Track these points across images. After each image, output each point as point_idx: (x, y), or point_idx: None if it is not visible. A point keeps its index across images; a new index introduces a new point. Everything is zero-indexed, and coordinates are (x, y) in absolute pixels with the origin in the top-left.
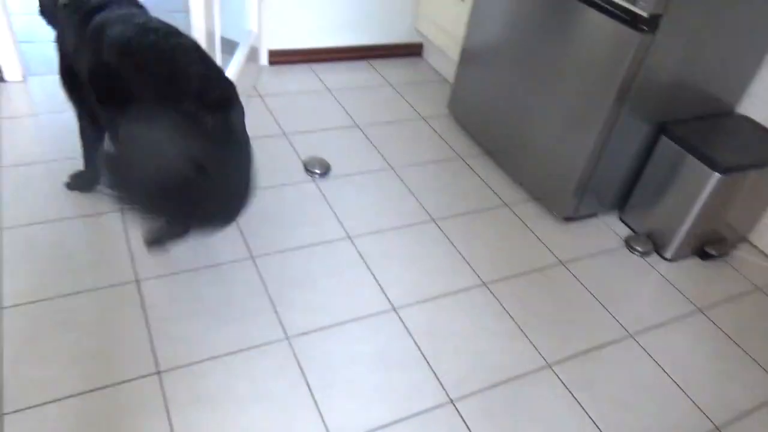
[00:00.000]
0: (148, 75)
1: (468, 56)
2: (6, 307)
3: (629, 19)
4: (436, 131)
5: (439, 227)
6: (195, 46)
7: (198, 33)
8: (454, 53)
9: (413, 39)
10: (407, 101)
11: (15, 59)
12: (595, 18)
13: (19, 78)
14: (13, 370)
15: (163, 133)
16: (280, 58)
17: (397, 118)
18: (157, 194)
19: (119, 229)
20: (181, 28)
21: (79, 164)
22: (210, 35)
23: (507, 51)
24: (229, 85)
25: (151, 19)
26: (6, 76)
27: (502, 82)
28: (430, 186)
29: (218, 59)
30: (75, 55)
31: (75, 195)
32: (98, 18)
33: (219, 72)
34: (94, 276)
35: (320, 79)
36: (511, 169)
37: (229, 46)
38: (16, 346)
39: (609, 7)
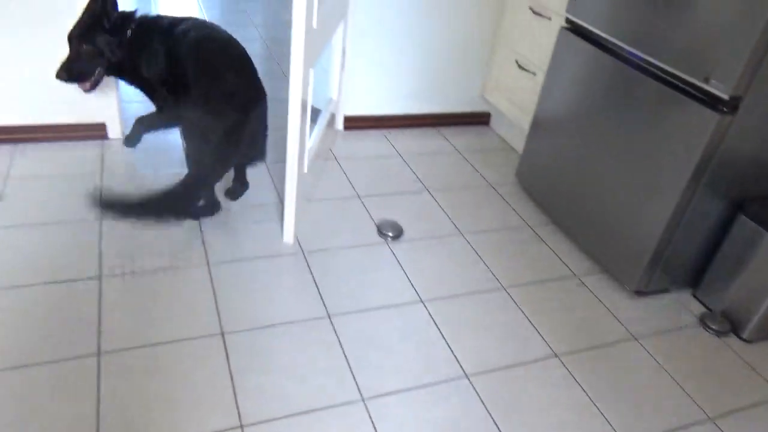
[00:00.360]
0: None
1: (538, 126)
2: (107, 352)
3: (706, 99)
4: (504, 198)
5: (509, 295)
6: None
7: (294, 103)
8: (521, 122)
9: (481, 108)
10: (475, 168)
11: (117, 119)
12: (669, 95)
13: (120, 136)
14: (109, 409)
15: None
16: (354, 123)
17: (465, 185)
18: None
19: (207, 283)
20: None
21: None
22: (304, 105)
23: (578, 122)
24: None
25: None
26: (110, 134)
27: (572, 152)
28: (499, 253)
29: (307, 126)
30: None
31: (170, 251)
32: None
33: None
34: (181, 326)
35: (392, 145)
36: (581, 240)
37: (312, 113)
38: (111, 387)
39: (685, 87)
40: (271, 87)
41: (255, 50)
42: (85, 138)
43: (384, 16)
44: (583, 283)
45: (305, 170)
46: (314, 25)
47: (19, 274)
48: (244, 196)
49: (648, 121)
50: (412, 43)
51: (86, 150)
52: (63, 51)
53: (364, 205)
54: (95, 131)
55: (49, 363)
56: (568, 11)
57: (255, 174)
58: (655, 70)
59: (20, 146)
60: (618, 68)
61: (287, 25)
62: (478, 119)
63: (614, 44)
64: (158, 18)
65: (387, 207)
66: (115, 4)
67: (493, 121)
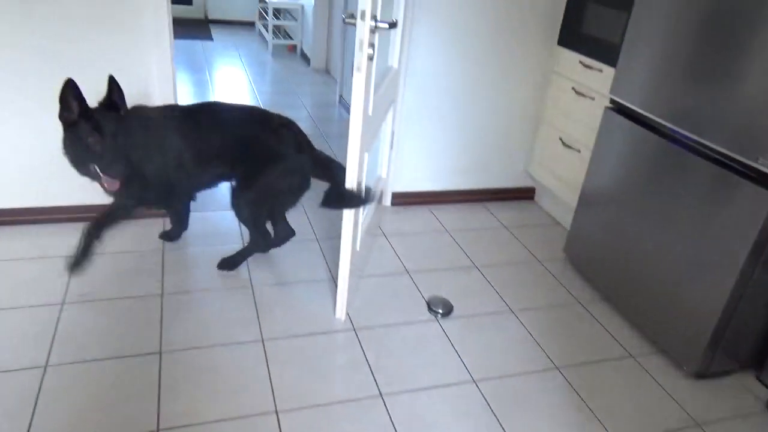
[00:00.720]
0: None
1: (586, 202)
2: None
3: (759, 178)
4: (553, 275)
5: (563, 376)
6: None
7: (350, 181)
8: (567, 198)
9: (526, 183)
10: (523, 243)
11: None
12: (719, 174)
13: None
14: None
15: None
16: (402, 199)
17: (513, 260)
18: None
19: (261, 359)
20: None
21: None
22: (359, 184)
23: (627, 198)
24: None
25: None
26: None
27: (622, 227)
28: (551, 331)
29: (359, 164)
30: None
31: (226, 326)
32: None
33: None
34: (236, 404)
35: (438, 220)
36: (635, 318)
37: None
38: None
39: (735, 166)
40: None
41: (306, 129)
42: (149, 216)
43: (431, 98)
44: (639, 364)
45: (358, 248)
46: (370, 112)
47: (85, 349)
48: (296, 274)
49: (699, 200)
50: (458, 121)
51: (150, 227)
52: None
53: (414, 281)
54: (158, 211)
55: None
56: (611, 92)
57: (307, 250)
58: (704, 149)
59: None
60: (664, 147)
61: (333, 105)
62: (523, 194)
63: (659, 124)
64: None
65: (436, 283)
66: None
67: (538, 196)
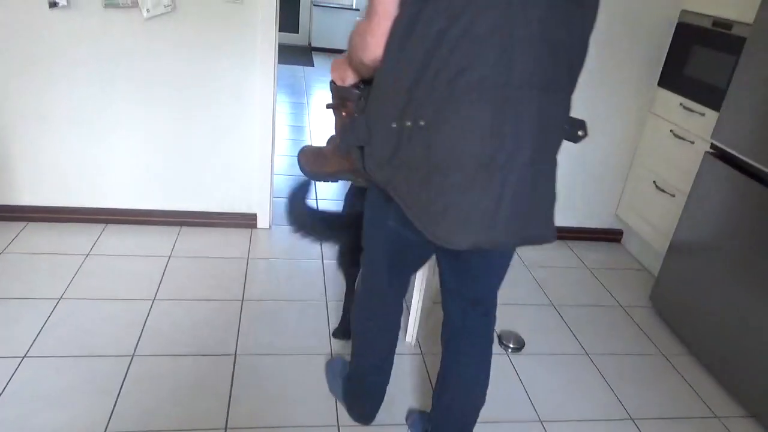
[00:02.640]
0: None
1: (677, 249)
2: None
3: None
4: (635, 322)
5: (638, 428)
6: None
7: None
8: (656, 243)
9: (613, 225)
10: (605, 286)
11: (267, 211)
12: None
13: (267, 226)
14: None
15: None
16: None
17: (594, 303)
18: None
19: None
20: None
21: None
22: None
23: (723, 249)
24: None
25: None
26: (259, 223)
27: (715, 280)
28: (628, 380)
29: None
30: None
31: (297, 335)
32: None
33: None
34: (302, 413)
35: (518, 255)
36: (723, 376)
37: None
38: None
39: None
40: None
41: None
42: (237, 226)
43: None
44: (725, 426)
45: (433, 274)
46: None
47: (170, 343)
48: None
49: None
50: None
51: (238, 236)
52: (233, 152)
53: None
54: (247, 221)
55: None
56: (713, 136)
57: None
58: None
59: (185, 229)
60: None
61: None
62: (610, 236)
63: (764, 172)
64: None
65: (510, 317)
66: None
67: (625, 239)
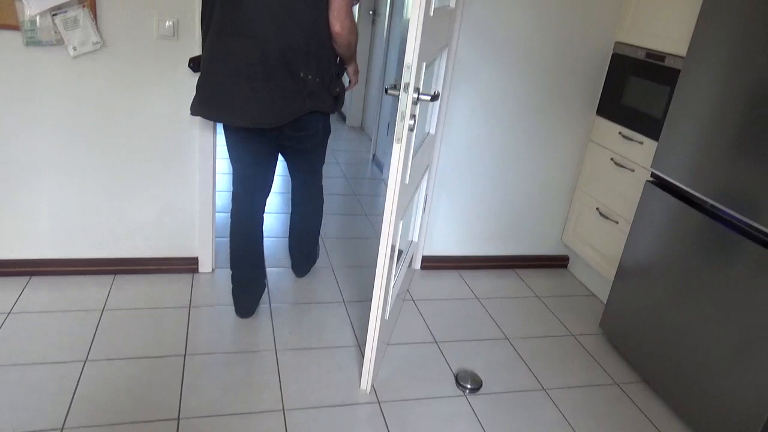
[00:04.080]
0: None
1: (624, 276)
2: None
3: None
4: (587, 350)
5: None
6: None
7: (383, 253)
8: (602, 269)
9: (559, 251)
10: (556, 315)
11: (210, 253)
12: (766, 255)
13: (209, 269)
14: None
15: None
16: (432, 263)
17: (546, 333)
18: None
19: (281, 431)
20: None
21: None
22: (392, 255)
23: (668, 275)
24: None
25: None
26: (201, 267)
27: (663, 305)
28: (586, 414)
29: (393, 275)
30: None
31: (246, 393)
32: None
33: None
34: None
35: (468, 286)
36: (677, 403)
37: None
38: None
39: None
40: (354, 225)
41: (338, 188)
42: (178, 271)
43: (466, 163)
44: None
45: (387, 317)
46: (407, 181)
47: (104, 411)
48: (322, 338)
49: (746, 282)
50: (492, 187)
51: (178, 283)
52: (170, 192)
53: (442, 352)
54: (188, 265)
55: None
56: (653, 165)
57: (334, 314)
58: (749, 229)
59: (119, 278)
60: (708, 225)
61: (366, 163)
62: (556, 262)
63: (702, 200)
64: None
65: (465, 355)
66: None
67: (571, 265)
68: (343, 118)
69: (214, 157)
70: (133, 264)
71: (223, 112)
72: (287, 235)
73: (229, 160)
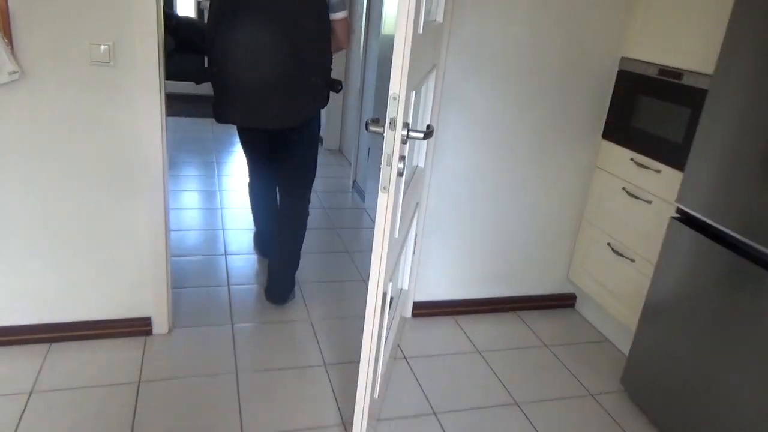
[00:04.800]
0: None
1: (649, 324)
2: None
3: None
4: (610, 415)
5: None
6: None
7: (371, 294)
8: (617, 311)
9: (565, 289)
10: (569, 369)
11: (165, 310)
12: None
13: (165, 330)
14: None
15: None
16: (424, 310)
17: (561, 395)
18: None
19: None
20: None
21: None
22: (384, 296)
23: (703, 324)
24: None
25: None
26: (155, 328)
27: (696, 356)
28: None
29: (382, 351)
30: None
31: None
32: None
33: None
34: None
35: (467, 335)
36: None
37: None
38: None
39: None
40: (335, 265)
41: (316, 220)
42: (127, 335)
43: (459, 197)
44: None
45: (377, 395)
46: (396, 234)
47: None
48: (298, 418)
49: None
50: (489, 223)
51: (126, 350)
52: (115, 241)
53: (442, 427)
54: (139, 326)
55: None
56: (679, 200)
57: (313, 381)
58: None
59: (56, 347)
60: (747, 268)
61: (347, 190)
62: (563, 302)
63: (741, 241)
64: None
65: (469, 429)
66: None
67: (579, 304)
68: (321, 140)
69: (164, 197)
70: (72, 329)
71: (254, 117)
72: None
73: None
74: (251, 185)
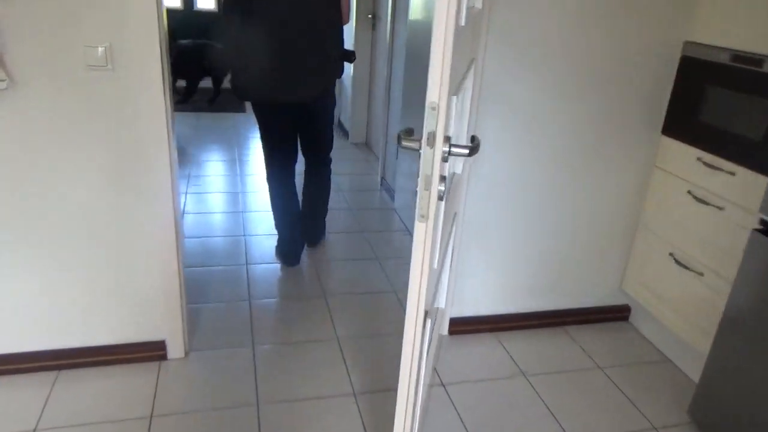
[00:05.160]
0: None
1: (723, 349)
2: None
3: None
4: None
5: None
6: None
7: (408, 334)
8: (679, 329)
9: (618, 301)
10: (628, 396)
11: (180, 332)
12: None
13: (181, 354)
14: None
15: None
16: (462, 327)
17: (618, 426)
18: None
19: None
20: None
21: None
22: (420, 369)
23: None
24: None
25: None
26: (170, 353)
27: None
28: None
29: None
30: None
31: None
32: None
33: None
34: None
35: (510, 355)
36: None
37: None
38: None
39: None
40: (364, 274)
41: (342, 222)
42: (139, 360)
43: (499, 203)
44: None
45: None
46: (435, 265)
47: None
48: None
49: None
50: (532, 230)
51: (138, 377)
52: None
53: None
54: (153, 351)
55: None
56: (763, 210)
57: (342, 413)
58: None
59: (63, 375)
60: None
61: (375, 189)
62: (616, 314)
63: None
64: None
65: None
66: None
67: (633, 316)
68: (346, 133)
69: (173, 202)
70: (80, 355)
71: (278, 93)
72: (271, 231)
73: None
74: (271, 175)
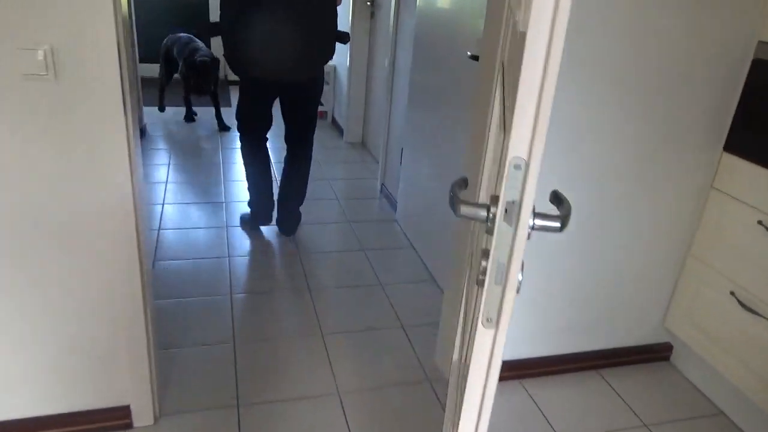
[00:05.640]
0: None
1: None
2: None
3: None
4: None
5: None
6: None
7: None
8: (733, 375)
9: (659, 339)
10: None
11: (149, 393)
12: None
13: (150, 421)
14: None
15: None
16: None
17: None
18: None
19: None
20: None
21: None
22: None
23: None
24: None
25: None
26: (135, 420)
27: None
28: None
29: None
30: None
31: None
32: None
33: None
34: None
35: (540, 410)
36: None
37: None
38: None
39: None
40: (367, 306)
41: (338, 237)
42: (101, 430)
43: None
44: None
45: None
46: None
47: None
48: None
49: None
50: (563, 264)
51: None
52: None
53: None
54: (117, 419)
55: None
56: None
57: None
58: None
59: None
60: None
61: (373, 196)
62: (656, 354)
63: None
64: None
65: None
66: None
67: (675, 356)
68: (340, 132)
69: (139, 247)
70: (28, 428)
71: (275, 71)
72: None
73: (238, 104)
74: (246, 139)
